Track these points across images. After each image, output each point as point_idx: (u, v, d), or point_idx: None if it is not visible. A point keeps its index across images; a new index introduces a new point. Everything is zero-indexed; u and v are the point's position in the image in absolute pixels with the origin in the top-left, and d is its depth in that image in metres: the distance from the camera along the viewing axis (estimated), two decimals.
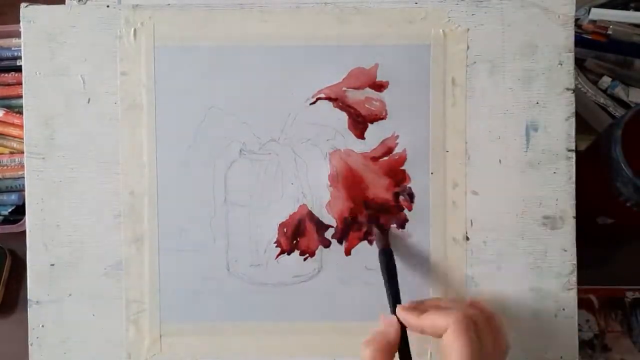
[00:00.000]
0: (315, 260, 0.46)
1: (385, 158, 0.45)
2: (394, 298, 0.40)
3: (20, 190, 0.59)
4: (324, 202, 0.46)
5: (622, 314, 0.55)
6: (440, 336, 0.36)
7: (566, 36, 0.45)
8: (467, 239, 0.45)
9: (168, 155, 0.45)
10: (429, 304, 0.40)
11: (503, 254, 0.45)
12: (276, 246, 0.46)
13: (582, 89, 0.60)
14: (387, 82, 0.45)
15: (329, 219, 0.46)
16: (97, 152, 0.45)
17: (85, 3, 0.46)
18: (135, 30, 0.45)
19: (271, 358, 0.46)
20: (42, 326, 0.45)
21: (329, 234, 0.46)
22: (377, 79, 0.45)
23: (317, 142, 0.45)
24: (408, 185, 0.45)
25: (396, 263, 0.42)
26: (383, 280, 0.41)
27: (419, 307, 0.39)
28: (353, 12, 0.45)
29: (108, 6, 0.46)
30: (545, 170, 0.45)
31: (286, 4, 0.45)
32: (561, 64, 0.45)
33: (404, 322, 0.38)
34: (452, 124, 0.45)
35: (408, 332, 0.38)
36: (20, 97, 0.46)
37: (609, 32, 0.61)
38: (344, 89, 0.45)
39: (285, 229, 0.46)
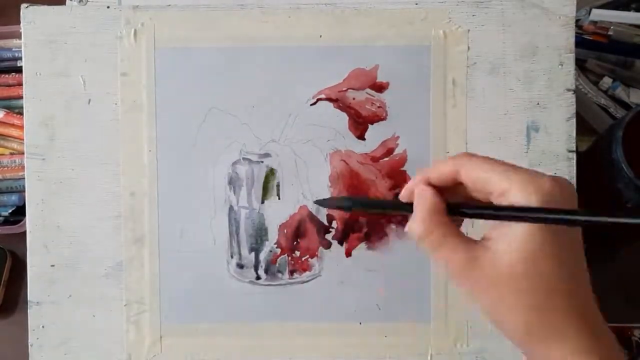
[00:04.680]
0: (315, 261, 0.46)
1: (386, 159, 0.45)
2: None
3: (21, 191, 0.59)
4: None
5: (629, 354, 0.54)
6: (450, 181, 0.29)
7: (567, 37, 0.45)
8: None
9: (168, 156, 0.45)
10: None
11: None
12: (276, 247, 0.46)
13: (583, 89, 0.60)
14: (388, 83, 0.45)
15: (329, 220, 0.46)
16: (98, 153, 0.45)
17: (85, 4, 0.46)
18: (135, 31, 0.45)
19: (271, 359, 0.46)
20: (42, 327, 0.45)
21: (329, 235, 0.46)
22: (378, 80, 0.45)
23: (318, 143, 0.45)
24: None
25: (397, 264, 0.42)
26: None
27: None
28: (353, 13, 0.45)
29: (108, 7, 0.46)
30: (546, 171, 0.44)
31: (287, 5, 0.45)
32: (562, 65, 0.45)
33: (437, 176, 0.29)
34: (452, 125, 0.45)
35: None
36: (21, 98, 0.46)
37: (610, 33, 0.61)
38: (344, 89, 0.45)
39: (285, 230, 0.46)
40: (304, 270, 0.46)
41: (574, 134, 0.45)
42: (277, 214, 0.46)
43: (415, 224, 0.29)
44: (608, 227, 0.27)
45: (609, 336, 0.28)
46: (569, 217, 0.27)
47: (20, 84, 0.53)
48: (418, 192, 0.30)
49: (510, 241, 0.27)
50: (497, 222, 0.28)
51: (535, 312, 0.27)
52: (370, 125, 0.45)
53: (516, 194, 0.27)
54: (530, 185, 0.27)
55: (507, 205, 0.28)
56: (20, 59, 0.46)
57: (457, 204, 0.29)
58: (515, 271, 0.27)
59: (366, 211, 0.37)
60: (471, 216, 0.30)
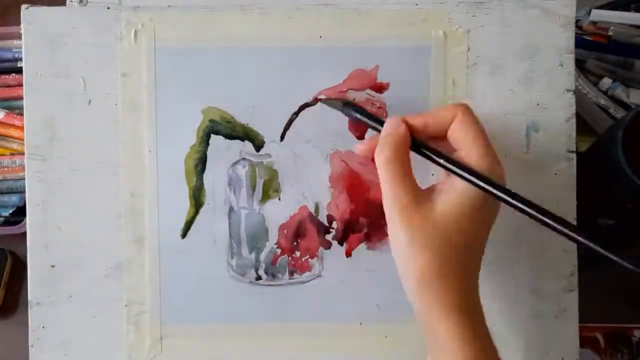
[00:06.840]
0: (315, 262, 0.46)
1: None
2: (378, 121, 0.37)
3: (21, 191, 0.59)
4: (324, 203, 0.46)
5: (629, 353, 0.54)
6: (445, 130, 0.35)
7: (567, 37, 0.45)
8: None
9: (168, 156, 0.45)
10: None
11: (503, 255, 0.45)
12: (277, 247, 0.46)
13: (583, 90, 0.60)
14: (388, 84, 0.45)
15: (329, 220, 0.46)
16: (98, 154, 0.45)
17: (85, 4, 0.46)
18: (136, 31, 0.45)
19: (271, 359, 0.46)
20: (43, 327, 0.45)
21: (329, 235, 0.46)
22: (378, 81, 0.45)
23: (318, 144, 0.45)
24: None
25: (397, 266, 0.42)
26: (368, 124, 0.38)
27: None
28: (353, 14, 0.45)
29: (109, 7, 0.46)
30: (546, 171, 0.45)
31: (287, 6, 0.45)
32: (562, 65, 0.45)
33: (407, 122, 0.36)
34: None
35: None
36: (21, 98, 0.46)
37: (610, 33, 0.61)
38: (344, 90, 0.45)
39: (285, 231, 0.46)
40: (304, 270, 0.46)
41: (574, 134, 0.45)
42: (277, 215, 0.46)
43: (381, 148, 0.34)
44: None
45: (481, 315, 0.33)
46: (505, 196, 0.32)
47: (20, 85, 0.53)
48: (393, 122, 0.36)
49: (450, 195, 0.33)
50: (444, 179, 0.34)
51: (430, 263, 0.32)
52: None
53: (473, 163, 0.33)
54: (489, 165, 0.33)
55: (463, 164, 0.33)
56: (21, 59, 0.46)
57: (420, 143, 0.35)
58: (443, 219, 0.32)
59: (353, 114, 0.39)
60: (428, 157, 0.35)
